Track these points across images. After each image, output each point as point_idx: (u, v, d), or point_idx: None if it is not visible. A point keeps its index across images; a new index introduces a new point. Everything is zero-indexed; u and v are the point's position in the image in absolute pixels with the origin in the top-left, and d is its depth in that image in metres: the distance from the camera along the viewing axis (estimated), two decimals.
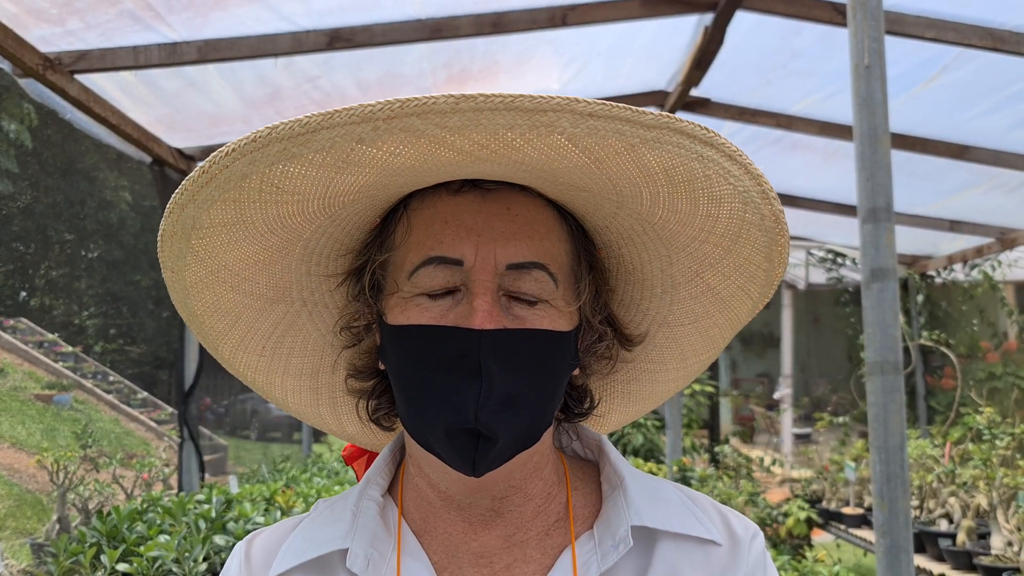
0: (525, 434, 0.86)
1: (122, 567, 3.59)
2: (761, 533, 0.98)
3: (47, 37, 3.63)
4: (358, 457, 1.10)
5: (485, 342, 0.81)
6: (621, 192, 0.83)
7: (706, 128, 0.77)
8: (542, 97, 0.70)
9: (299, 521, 0.98)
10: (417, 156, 0.74)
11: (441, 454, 0.85)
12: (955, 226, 6.98)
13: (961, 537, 4.86)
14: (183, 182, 0.80)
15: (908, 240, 7.81)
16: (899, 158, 5.27)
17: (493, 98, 0.69)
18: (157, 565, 3.57)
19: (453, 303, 0.85)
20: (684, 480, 6.45)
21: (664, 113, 0.75)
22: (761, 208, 0.84)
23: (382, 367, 0.94)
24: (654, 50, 4.62)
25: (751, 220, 0.85)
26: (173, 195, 0.81)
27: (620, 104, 0.72)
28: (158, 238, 0.85)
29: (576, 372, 0.95)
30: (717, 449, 7.92)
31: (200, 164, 0.78)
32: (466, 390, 0.81)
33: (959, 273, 8.76)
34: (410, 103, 0.69)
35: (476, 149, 0.73)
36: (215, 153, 0.76)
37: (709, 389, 9.14)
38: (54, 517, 6.18)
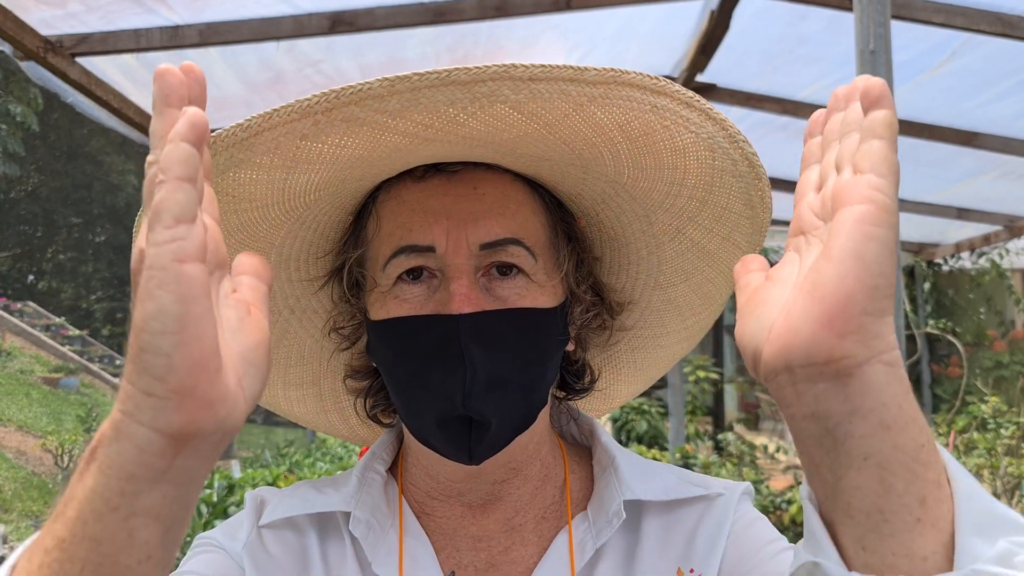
0: (519, 417, 0.85)
1: None
2: (751, 488, 0.97)
3: (48, 20, 3.61)
4: None
5: (464, 326, 0.80)
6: (582, 155, 0.80)
7: (656, 77, 0.73)
8: (478, 68, 0.68)
9: (303, 484, 0.98)
10: (363, 145, 0.72)
11: (436, 446, 0.85)
12: (963, 214, 6.93)
13: None
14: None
15: (915, 227, 7.76)
16: (905, 145, 5.23)
17: (428, 75, 0.67)
18: None
19: (430, 291, 0.84)
20: (687, 467, 6.46)
21: (610, 68, 0.72)
22: (731, 153, 0.81)
23: (374, 364, 0.93)
24: (659, 35, 4.58)
25: (722, 167, 0.82)
26: (138, 215, 0.79)
27: (562, 64, 0.69)
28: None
29: (572, 347, 0.94)
30: (721, 436, 7.92)
31: None
32: (451, 377, 0.80)
33: (966, 261, 8.72)
34: (346, 91, 0.67)
35: (420, 130, 0.71)
36: None
37: (714, 376, 9.13)
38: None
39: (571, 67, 0.69)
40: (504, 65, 0.68)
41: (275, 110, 0.69)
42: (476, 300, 0.81)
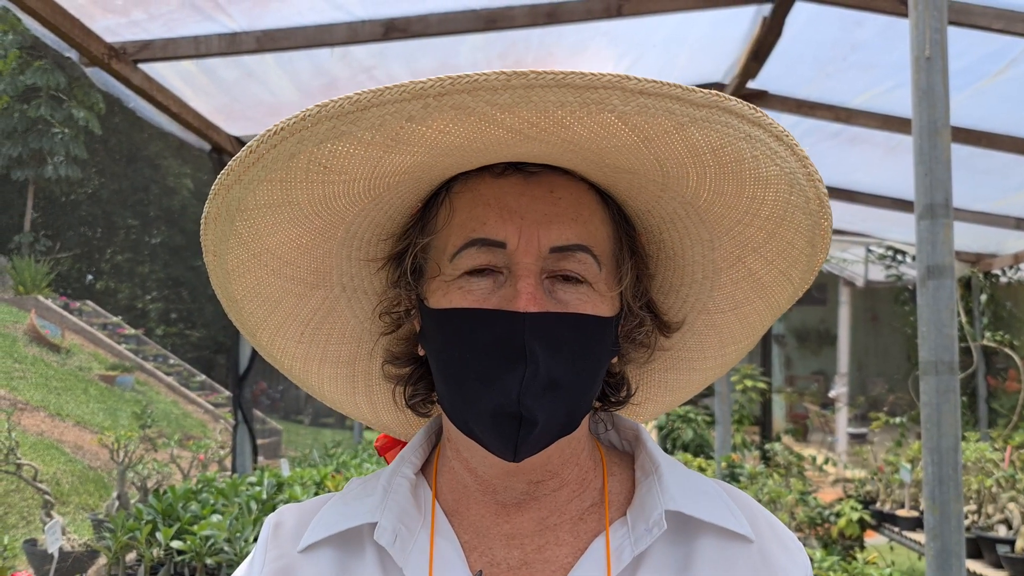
0: (565, 419, 0.86)
1: (176, 544, 3.68)
2: (806, 551, 0.96)
3: (112, 27, 3.72)
4: (392, 448, 1.11)
5: (529, 325, 0.81)
6: (667, 173, 0.82)
7: (754, 108, 0.76)
8: (593, 74, 0.69)
9: (330, 497, 0.99)
10: (466, 134, 0.74)
11: (482, 438, 0.85)
12: (1021, 224, 6.76)
13: (1020, 543, 4.73)
14: (229, 163, 0.79)
15: (972, 237, 7.59)
16: (962, 153, 5.12)
17: (544, 75, 0.69)
18: (209, 544, 3.66)
19: (495, 286, 0.85)
20: (732, 476, 6.39)
21: (714, 91, 0.74)
22: (806, 190, 0.83)
23: (421, 353, 0.95)
24: (710, 41, 4.56)
25: (796, 203, 0.84)
26: (219, 176, 0.80)
27: (671, 82, 0.71)
28: (202, 220, 0.86)
29: (614, 360, 0.95)
30: (768, 446, 7.82)
31: (247, 144, 0.77)
32: (510, 373, 0.81)
33: None
34: (461, 80, 0.69)
35: (526, 127, 0.73)
36: (264, 132, 0.76)
37: (761, 385, 9.01)
38: (114, 494, 6.37)
39: (679, 86, 0.72)
40: (618, 75, 0.70)
41: (386, 88, 0.70)
42: (541, 300, 0.82)
